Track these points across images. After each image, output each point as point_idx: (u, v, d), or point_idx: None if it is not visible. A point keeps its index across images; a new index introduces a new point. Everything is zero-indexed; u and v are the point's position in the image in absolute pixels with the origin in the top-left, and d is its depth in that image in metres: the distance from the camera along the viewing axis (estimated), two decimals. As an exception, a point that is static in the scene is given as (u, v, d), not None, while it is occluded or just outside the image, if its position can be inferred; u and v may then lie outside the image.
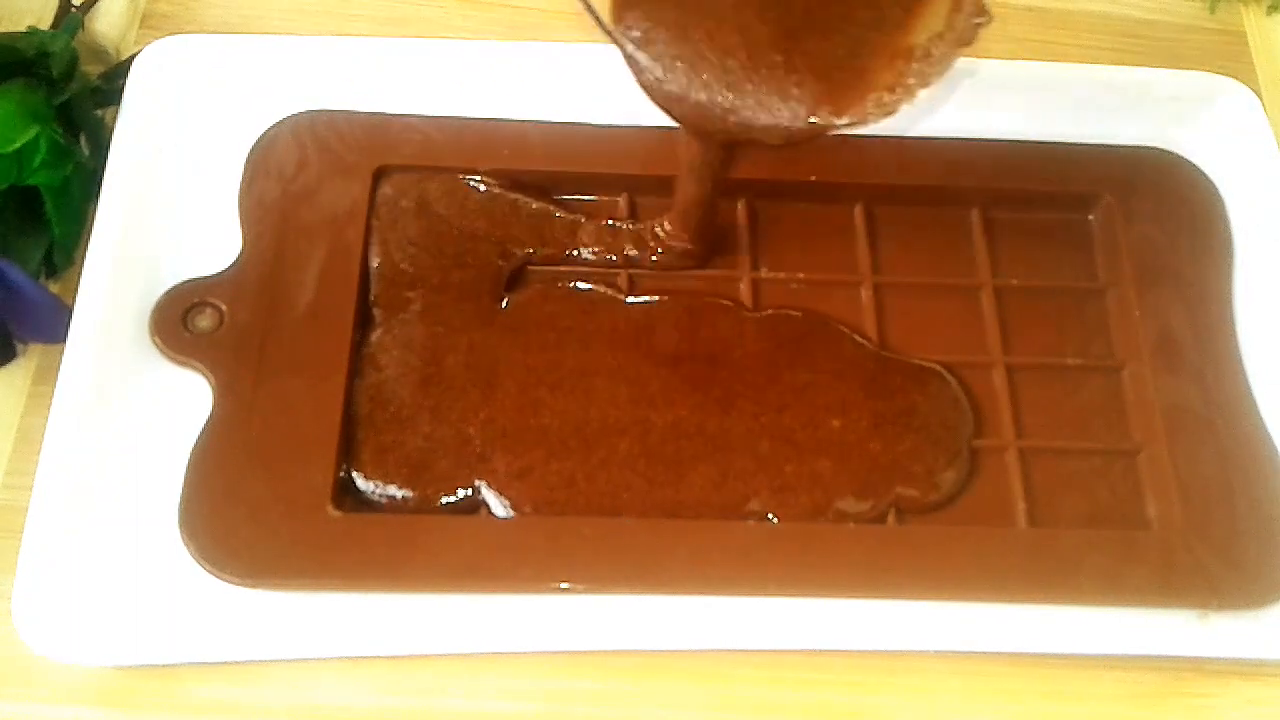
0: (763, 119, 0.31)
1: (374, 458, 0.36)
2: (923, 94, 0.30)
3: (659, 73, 0.31)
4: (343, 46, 0.42)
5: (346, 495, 0.35)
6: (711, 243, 0.39)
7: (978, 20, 0.29)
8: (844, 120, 0.31)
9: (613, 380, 0.37)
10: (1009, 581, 0.35)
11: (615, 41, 0.31)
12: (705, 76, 0.31)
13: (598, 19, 0.31)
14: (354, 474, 0.35)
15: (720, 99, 0.31)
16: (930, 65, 0.30)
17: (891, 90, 0.30)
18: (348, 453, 0.35)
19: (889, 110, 0.30)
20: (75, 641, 0.32)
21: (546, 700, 0.34)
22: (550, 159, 0.40)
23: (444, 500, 0.35)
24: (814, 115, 0.31)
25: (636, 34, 0.31)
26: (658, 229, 0.39)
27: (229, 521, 0.34)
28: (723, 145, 0.34)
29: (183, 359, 0.36)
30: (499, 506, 0.35)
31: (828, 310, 0.39)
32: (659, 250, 0.39)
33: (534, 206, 0.40)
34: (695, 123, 0.33)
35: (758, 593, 0.34)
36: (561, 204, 0.40)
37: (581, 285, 0.39)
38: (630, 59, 0.31)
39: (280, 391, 0.36)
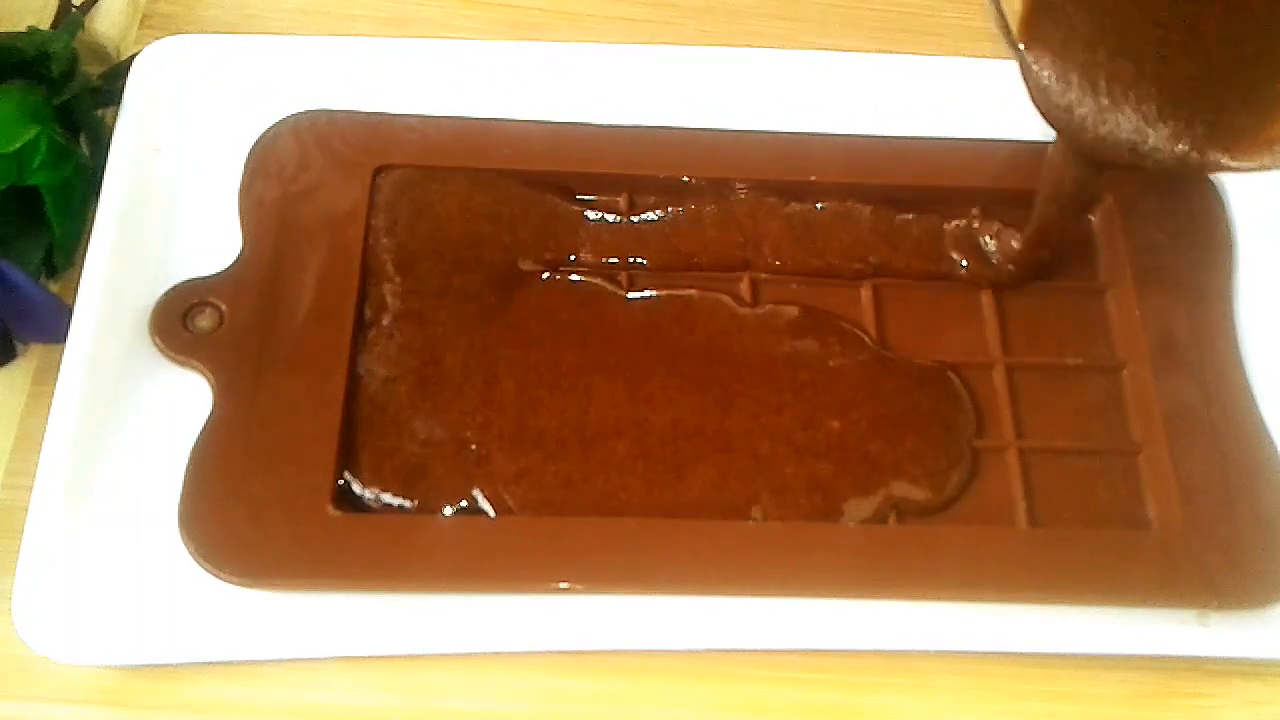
0: (1164, 149, 0.31)
1: (371, 463, 0.35)
2: None
3: (1065, 94, 0.31)
4: (343, 46, 0.42)
5: (346, 495, 0.35)
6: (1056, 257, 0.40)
7: None
8: (1243, 164, 0.30)
9: (612, 379, 0.37)
10: (1009, 581, 0.35)
11: (1020, 59, 0.31)
12: (1100, 91, 0.31)
13: (1006, 33, 0.31)
14: (351, 481, 0.35)
15: (1110, 117, 0.31)
16: None
17: None
18: (345, 458, 0.35)
19: None
20: (75, 641, 0.32)
21: (546, 700, 0.34)
22: (550, 159, 0.40)
23: (442, 508, 0.35)
24: (1216, 153, 0.30)
25: (1044, 55, 0.31)
26: (1011, 243, 0.39)
27: (229, 521, 0.34)
28: (1099, 168, 0.34)
29: (183, 359, 0.36)
30: (496, 512, 0.35)
31: (828, 310, 0.39)
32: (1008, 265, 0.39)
33: (537, 206, 0.40)
34: (1091, 146, 0.32)
35: (758, 593, 0.34)
36: (563, 203, 0.40)
37: (582, 281, 0.39)
38: (1035, 78, 0.32)
39: (280, 391, 0.36)
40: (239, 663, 0.34)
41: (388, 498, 0.35)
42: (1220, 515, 0.36)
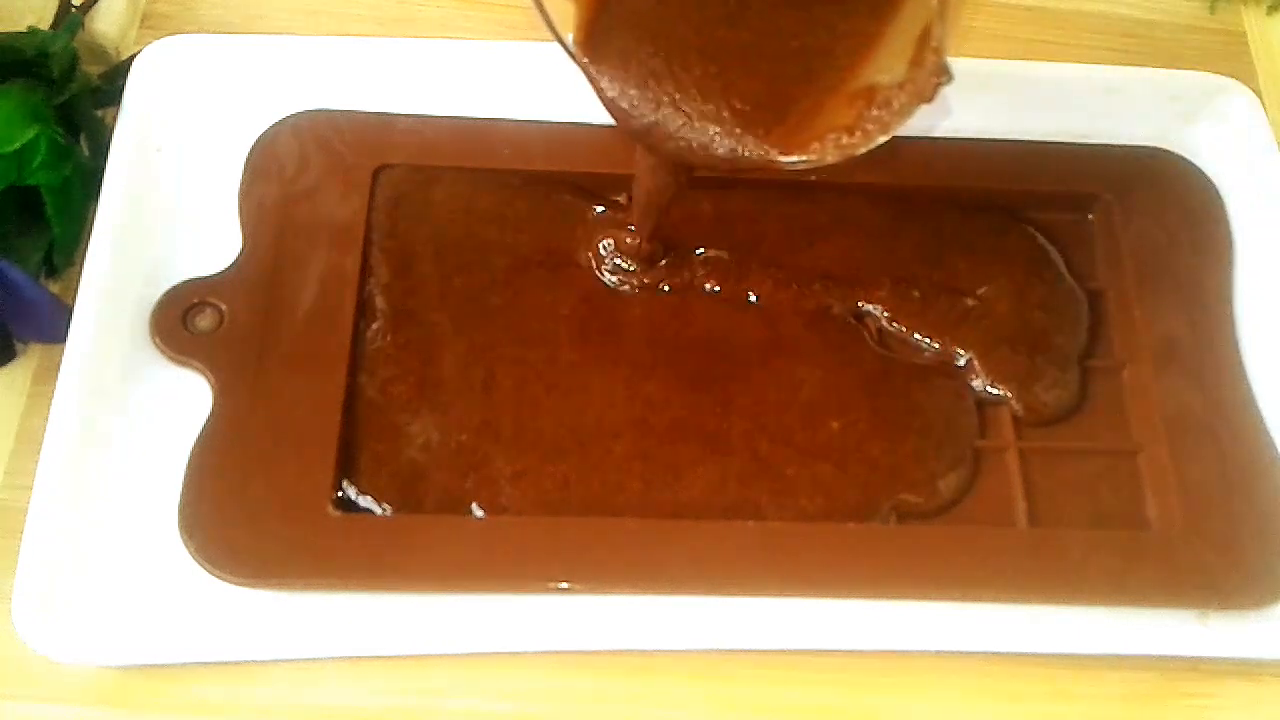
0: (713, 146, 0.31)
1: (369, 469, 0.35)
2: (881, 139, 0.29)
3: (615, 90, 0.31)
4: (343, 46, 0.42)
5: (346, 495, 0.35)
6: (669, 242, 0.39)
7: (937, 80, 0.28)
8: (793, 158, 0.31)
9: (611, 379, 0.37)
10: (1009, 581, 0.35)
11: (573, 57, 0.32)
12: (662, 98, 0.31)
13: (559, 38, 0.31)
14: (349, 488, 0.35)
15: (674, 122, 0.31)
16: (891, 114, 0.29)
17: (850, 133, 0.30)
18: (345, 461, 0.35)
19: (847, 153, 0.30)
20: (75, 641, 0.32)
21: (546, 700, 0.34)
22: (550, 159, 0.40)
23: (441, 509, 0.35)
24: (763, 148, 0.31)
25: (611, 66, 0.31)
26: (626, 240, 0.39)
27: (229, 521, 0.34)
28: (677, 163, 0.34)
29: (183, 359, 0.36)
30: (495, 513, 0.35)
31: (828, 308, 0.39)
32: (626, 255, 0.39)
33: (537, 206, 0.40)
34: (648, 142, 0.33)
35: (758, 593, 0.34)
36: (563, 203, 0.40)
37: (581, 282, 0.39)
38: (605, 92, 0.32)
39: (280, 391, 0.36)
40: (239, 663, 0.34)
41: (386, 502, 0.35)
42: (1220, 515, 0.36)
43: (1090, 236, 0.41)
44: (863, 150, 0.30)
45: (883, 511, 0.36)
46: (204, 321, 0.37)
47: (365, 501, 0.35)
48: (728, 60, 0.31)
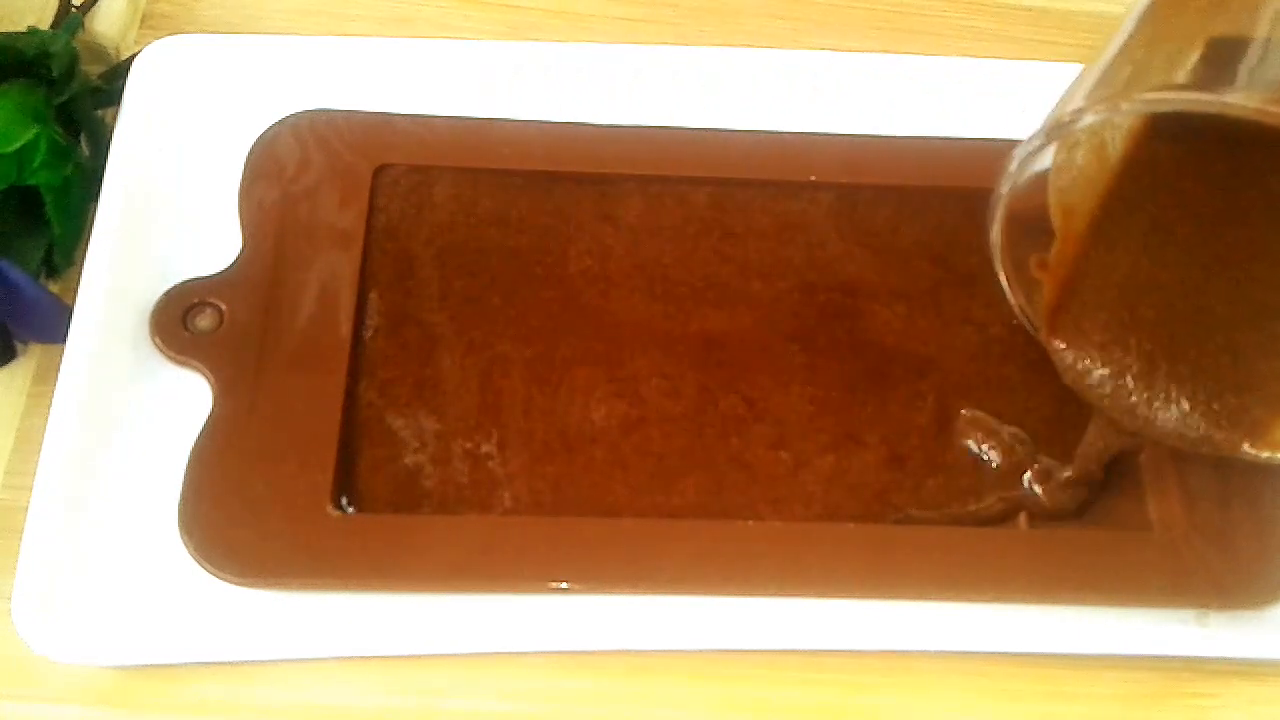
0: (1179, 429, 0.33)
1: (369, 468, 0.35)
2: None
3: (1101, 381, 0.33)
4: (343, 46, 0.42)
5: (346, 494, 0.35)
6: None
7: None
8: (1262, 453, 0.32)
9: (612, 379, 0.37)
10: (1009, 581, 0.35)
11: (1053, 353, 0.33)
12: (1145, 388, 0.32)
13: (1034, 329, 0.32)
14: (348, 488, 0.35)
15: (1159, 410, 0.33)
16: None
17: None
18: (343, 465, 0.35)
19: None
20: (75, 641, 0.32)
21: (546, 700, 0.34)
22: (550, 159, 0.40)
23: (441, 509, 0.35)
24: (1234, 436, 0.32)
25: (1075, 344, 0.33)
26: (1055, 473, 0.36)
27: (228, 521, 0.34)
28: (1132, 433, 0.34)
29: (183, 359, 0.36)
30: (496, 513, 0.35)
31: (826, 306, 0.39)
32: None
33: (537, 207, 0.40)
34: (1131, 428, 0.33)
35: (758, 593, 0.34)
36: (563, 204, 0.40)
37: (582, 282, 0.39)
38: (1071, 370, 0.33)
39: (280, 391, 0.36)
40: (239, 663, 0.34)
41: (386, 502, 0.35)
42: (1220, 515, 0.36)
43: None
44: None
45: (883, 512, 0.36)
46: (204, 321, 0.37)
47: (365, 501, 0.35)
48: (1210, 342, 0.32)
